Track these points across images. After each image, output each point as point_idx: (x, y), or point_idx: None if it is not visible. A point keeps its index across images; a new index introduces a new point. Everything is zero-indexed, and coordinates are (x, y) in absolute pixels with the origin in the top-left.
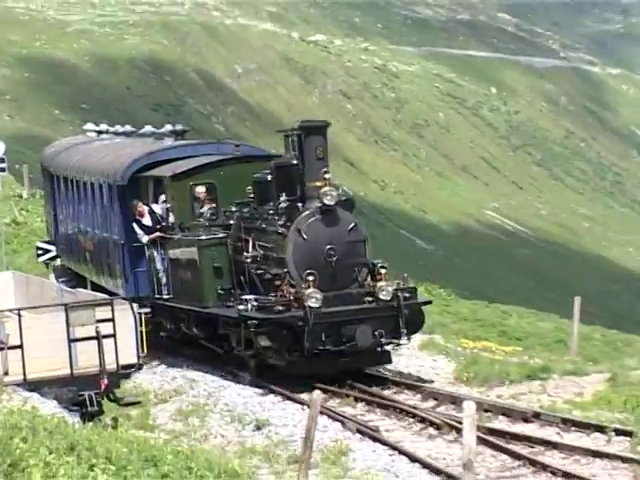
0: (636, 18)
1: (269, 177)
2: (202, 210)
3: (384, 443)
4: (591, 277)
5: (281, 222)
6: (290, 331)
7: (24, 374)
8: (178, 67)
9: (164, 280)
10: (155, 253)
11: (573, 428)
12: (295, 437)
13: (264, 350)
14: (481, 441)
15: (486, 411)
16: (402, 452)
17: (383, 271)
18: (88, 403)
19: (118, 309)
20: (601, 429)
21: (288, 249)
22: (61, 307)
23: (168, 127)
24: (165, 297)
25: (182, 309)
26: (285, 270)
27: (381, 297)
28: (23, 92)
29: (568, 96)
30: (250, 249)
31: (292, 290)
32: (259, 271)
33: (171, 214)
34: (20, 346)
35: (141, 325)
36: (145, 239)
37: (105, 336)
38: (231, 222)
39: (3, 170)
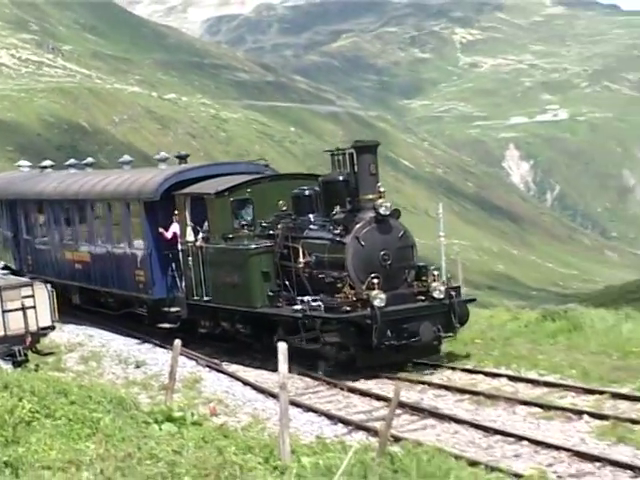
0: (387, 77)
1: (307, 192)
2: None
3: (225, 373)
4: None
5: (337, 231)
6: (357, 328)
7: None
8: (73, 119)
9: (203, 284)
10: (193, 260)
11: None
12: (163, 372)
13: (330, 345)
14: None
15: None
16: (237, 379)
17: (436, 273)
18: (17, 355)
19: (37, 288)
20: None
21: (348, 255)
22: None
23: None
24: (206, 299)
25: (226, 309)
26: (345, 274)
27: (435, 296)
28: None
29: (345, 131)
30: (301, 256)
31: (352, 291)
32: (320, 275)
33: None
34: None
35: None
36: (199, 241)
37: (28, 307)
38: (271, 232)
39: None
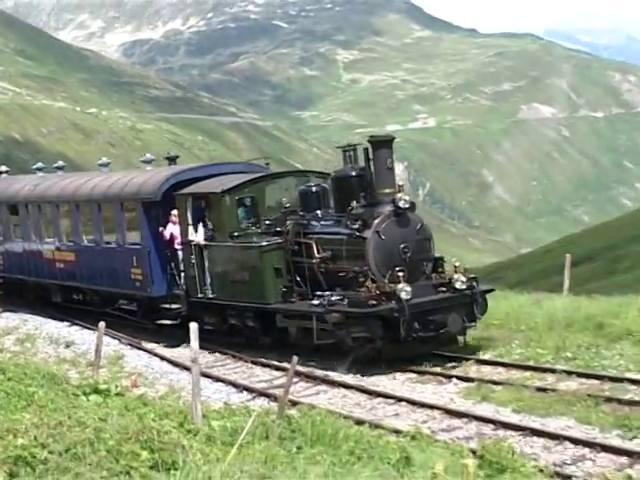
0: (281, 91)
1: (314, 188)
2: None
3: (145, 350)
4: None
5: (355, 226)
6: (383, 322)
7: None
8: (6, 132)
9: (207, 281)
10: (196, 258)
11: None
12: (90, 350)
13: (355, 340)
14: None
15: None
16: (156, 355)
17: (457, 264)
18: None
19: None
20: None
21: (368, 249)
22: None
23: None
24: (210, 296)
25: (234, 306)
26: (366, 268)
27: (457, 287)
28: None
29: (246, 139)
30: (316, 251)
31: (374, 285)
32: (337, 270)
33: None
34: None
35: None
36: (202, 240)
37: None
38: (278, 229)
39: None
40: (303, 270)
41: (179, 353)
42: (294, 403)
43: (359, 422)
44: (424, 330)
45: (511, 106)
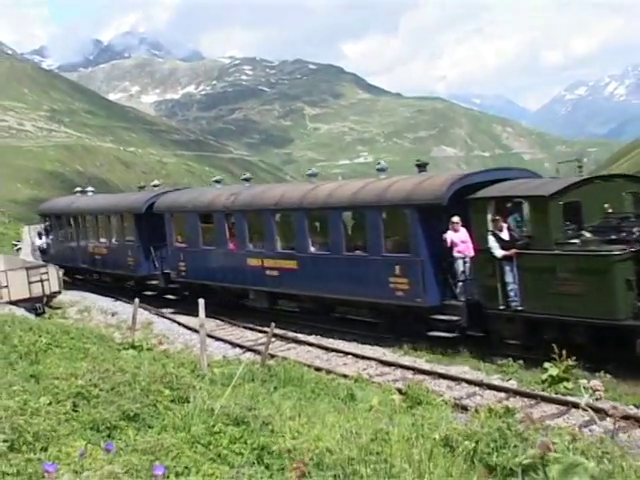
0: (265, 135)
1: None
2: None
3: (168, 318)
4: None
5: None
6: None
7: (9, 298)
8: (72, 165)
9: (513, 292)
10: (507, 267)
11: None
12: (128, 318)
13: None
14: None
15: None
16: (176, 321)
17: None
18: (38, 309)
19: (50, 268)
20: None
21: None
22: (24, 268)
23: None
24: (519, 308)
25: (552, 320)
26: None
27: None
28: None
29: (240, 169)
30: None
31: None
32: None
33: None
34: (6, 286)
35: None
36: (499, 253)
37: (44, 280)
38: (613, 237)
39: None
40: None
41: (192, 321)
42: (272, 356)
43: (318, 369)
44: None
45: (426, 147)
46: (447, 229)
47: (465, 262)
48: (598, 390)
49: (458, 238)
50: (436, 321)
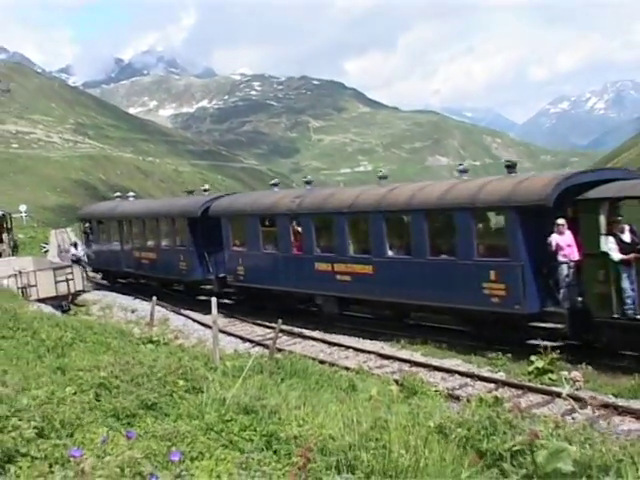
0: (273, 146)
1: None
2: None
3: (183, 315)
4: None
5: None
6: None
7: (38, 296)
8: (95, 173)
9: (630, 300)
10: (625, 273)
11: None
12: (147, 315)
13: None
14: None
15: None
16: (190, 318)
17: None
18: (63, 306)
19: (74, 269)
20: None
21: None
22: (51, 268)
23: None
24: (637, 317)
25: None
26: None
27: None
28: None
29: (250, 178)
30: None
31: None
32: None
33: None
34: (35, 285)
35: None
36: (617, 257)
37: (70, 279)
38: None
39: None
40: None
41: (206, 317)
42: (279, 350)
43: (322, 362)
44: None
45: (421, 157)
46: (551, 232)
47: (570, 267)
48: (578, 381)
49: (563, 241)
50: (535, 329)
